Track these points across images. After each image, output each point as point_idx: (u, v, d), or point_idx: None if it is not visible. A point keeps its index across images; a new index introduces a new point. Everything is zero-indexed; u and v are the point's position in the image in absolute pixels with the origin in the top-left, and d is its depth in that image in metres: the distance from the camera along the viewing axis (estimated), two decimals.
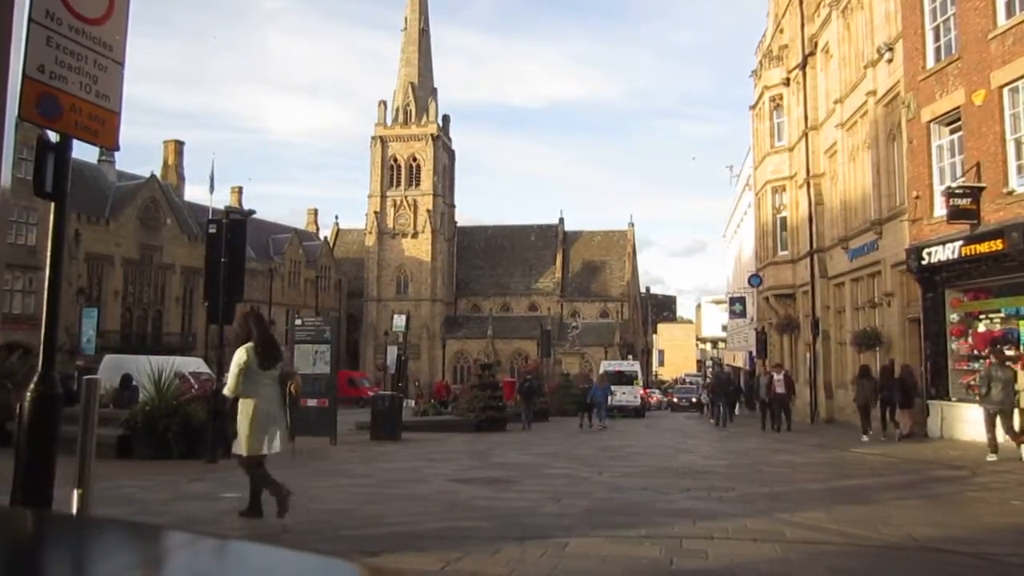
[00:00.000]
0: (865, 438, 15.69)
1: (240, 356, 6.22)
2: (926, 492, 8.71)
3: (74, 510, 4.24)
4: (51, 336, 4.67)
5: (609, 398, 26.10)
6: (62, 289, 5.05)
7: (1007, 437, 11.77)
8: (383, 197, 72.63)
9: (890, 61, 18.71)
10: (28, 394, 4.35)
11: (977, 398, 12.93)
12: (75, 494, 4.31)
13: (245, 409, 6.17)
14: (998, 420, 11.74)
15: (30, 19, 4.17)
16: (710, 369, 55.92)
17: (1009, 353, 14.22)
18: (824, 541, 5.78)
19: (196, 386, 16.38)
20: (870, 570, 5.23)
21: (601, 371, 37.89)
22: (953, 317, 15.94)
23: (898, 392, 15.78)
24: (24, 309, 37.20)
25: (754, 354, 34.27)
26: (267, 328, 6.75)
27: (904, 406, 15.79)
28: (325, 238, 74.93)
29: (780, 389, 20.23)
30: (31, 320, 32.74)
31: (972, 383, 15.16)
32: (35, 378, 4.44)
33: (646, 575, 4.82)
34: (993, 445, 11.62)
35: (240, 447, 6.22)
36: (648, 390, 38.47)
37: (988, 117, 14.44)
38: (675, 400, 50.74)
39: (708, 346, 74.19)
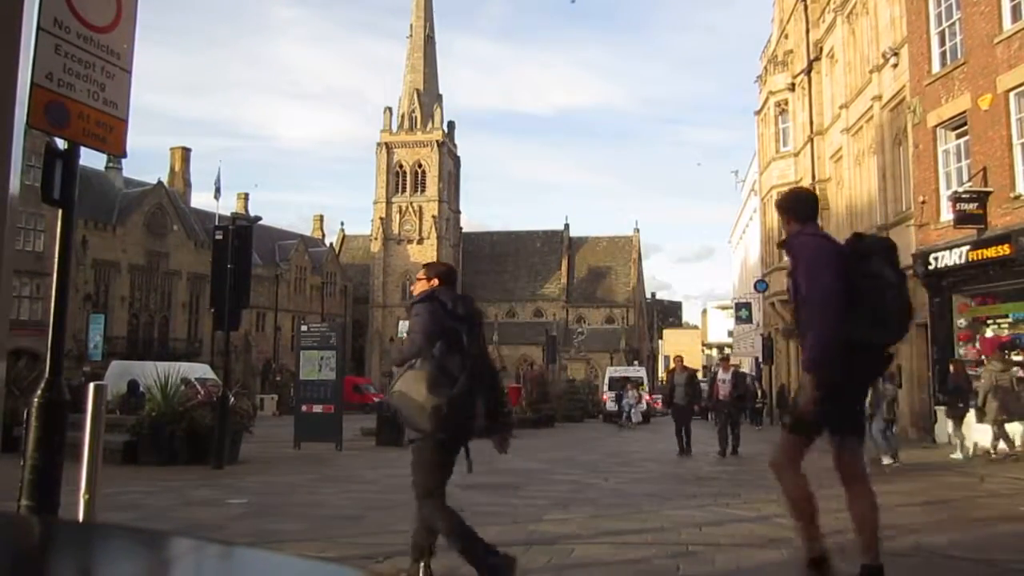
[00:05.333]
0: None
1: None
2: (934, 498, 8.66)
3: (80, 516, 4.25)
4: (58, 342, 4.68)
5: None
6: (69, 295, 5.07)
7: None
8: (388, 203, 72.81)
9: (895, 66, 18.70)
10: (35, 400, 4.36)
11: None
12: (81, 500, 4.31)
13: None
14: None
15: (38, 27, 4.19)
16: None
17: (1016, 358, 14.22)
18: (830, 547, 5.74)
19: (202, 392, 16.41)
20: None
21: (607, 377, 37.89)
22: (960, 322, 15.88)
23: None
24: (31, 315, 37.40)
25: (760, 360, 34.18)
26: None
27: None
28: (331, 244, 75.13)
29: (723, 394, 14.92)
30: (38, 326, 32.90)
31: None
32: (42, 384, 4.46)
33: None
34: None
35: None
36: (653, 396, 38.39)
37: (995, 121, 14.41)
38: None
39: (714, 351, 74.07)
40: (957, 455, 13.02)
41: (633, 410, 30.28)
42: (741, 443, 14.76)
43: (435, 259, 71.51)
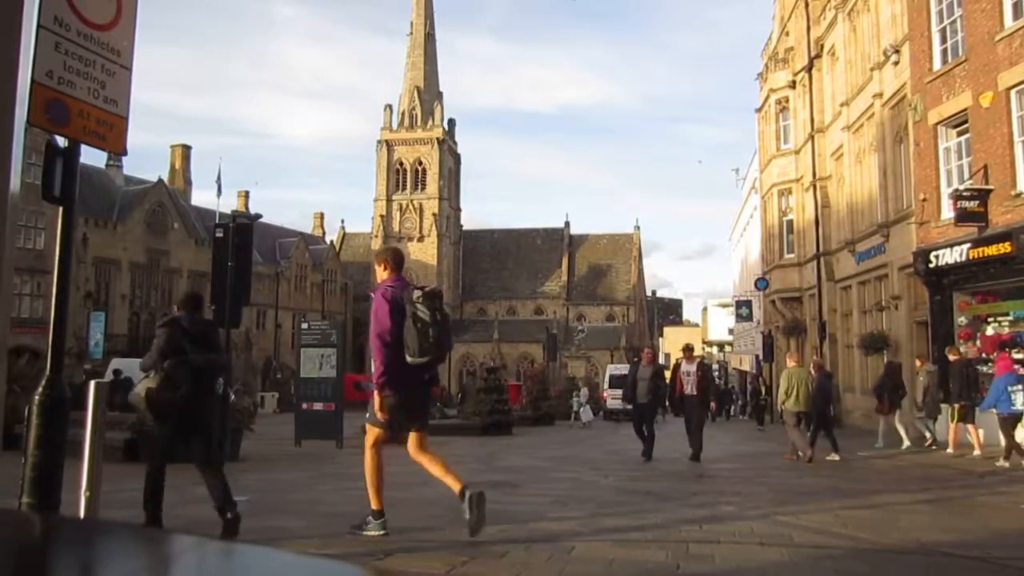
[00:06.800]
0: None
1: None
2: (934, 496, 8.66)
3: (81, 513, 4.25)
4: (59, 340, 4.69)
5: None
6: (70, 293, 5.09)
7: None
8: (389, 201, 72.76)
9: (896, 63, 18.68)
10: (36, 398, 4.37)
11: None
12: (83, 497, 4.32)
13: None
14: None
15: (39, 25, 4.19)
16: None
17: (1017, 356, 14.23)
18: (831, 545, 5.76)
19: None
20: (877, 574, 5.21)
21: (608, 375, 37.91)
22: (961, 320, 15.87)
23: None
24: (32, 313, 37.40)
25: (761, 358, 34.18)
26: None
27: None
28: (331, 242, 75.05)
29: (690, 389, 12.99)
30: (39, 324, 32.89)
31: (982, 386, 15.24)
32: (43, 382, 4.46)
33: None
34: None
35: None
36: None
37: (996, 119, 14.40)
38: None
39: (715, 350, 74.01)
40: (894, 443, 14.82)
41: (583, 409, 28.74)
42: (704, 446, 12.72)
43: (435, 256, 71.66)
